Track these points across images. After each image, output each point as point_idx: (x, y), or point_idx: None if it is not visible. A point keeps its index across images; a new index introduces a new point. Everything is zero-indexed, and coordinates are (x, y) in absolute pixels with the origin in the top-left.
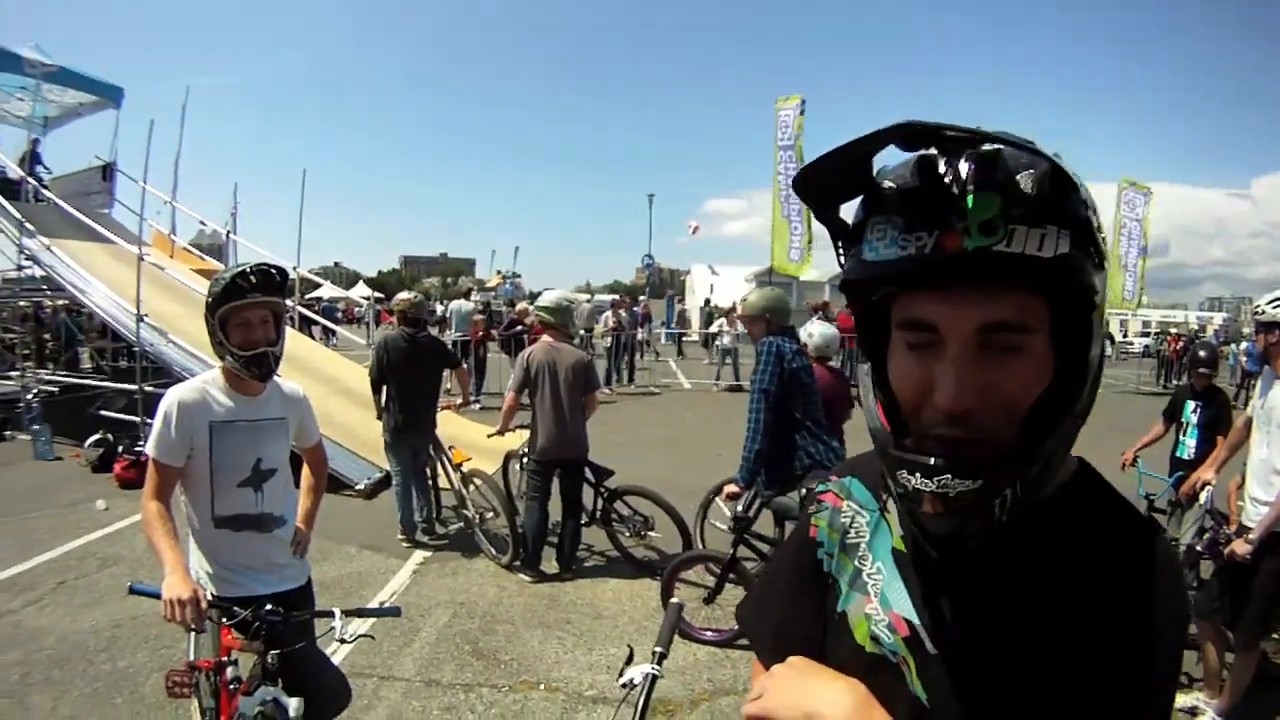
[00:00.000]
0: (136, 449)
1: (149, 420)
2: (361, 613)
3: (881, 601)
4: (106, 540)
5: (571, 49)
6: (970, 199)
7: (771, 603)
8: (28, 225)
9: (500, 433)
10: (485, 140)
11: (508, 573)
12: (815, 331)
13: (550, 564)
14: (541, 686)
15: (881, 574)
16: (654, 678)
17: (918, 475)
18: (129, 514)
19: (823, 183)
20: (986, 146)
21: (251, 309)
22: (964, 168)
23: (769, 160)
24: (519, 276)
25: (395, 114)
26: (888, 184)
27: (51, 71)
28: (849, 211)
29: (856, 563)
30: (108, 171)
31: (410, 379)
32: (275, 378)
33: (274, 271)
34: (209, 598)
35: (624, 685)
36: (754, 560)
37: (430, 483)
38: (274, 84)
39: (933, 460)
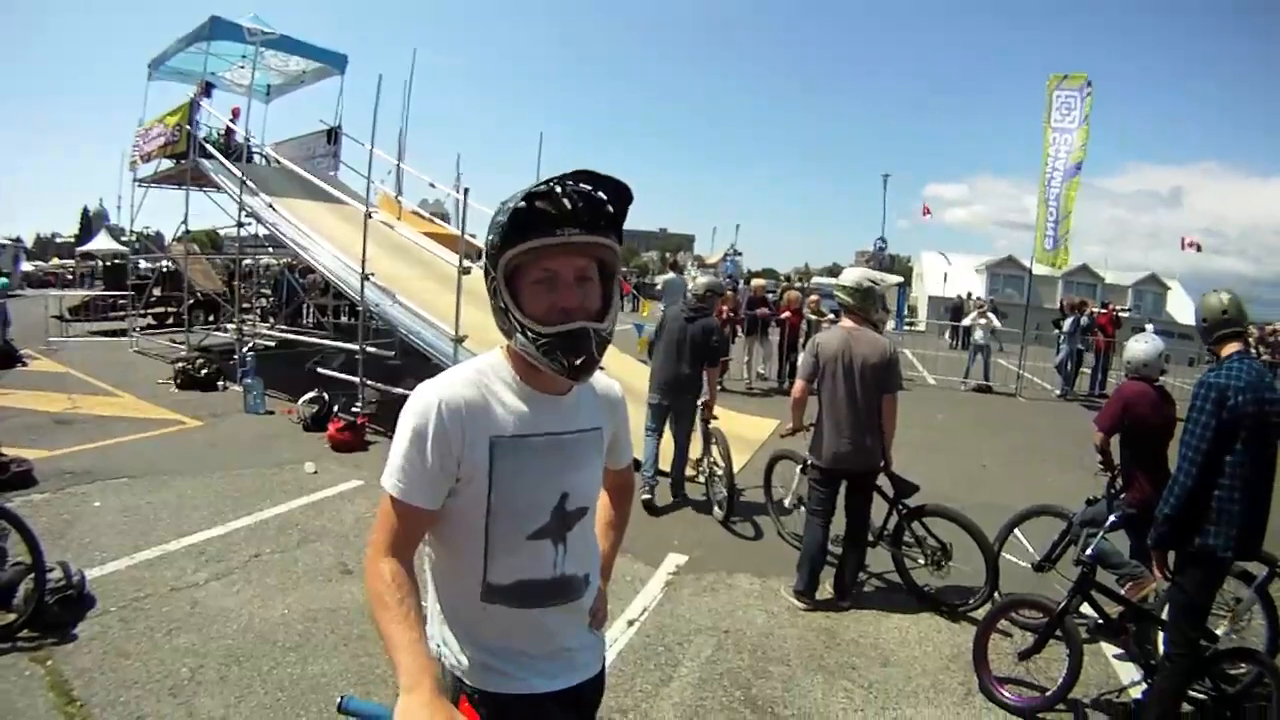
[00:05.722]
0: (353, 410)
1: (368, 381)
2: None
3: None
4: (312, 509)
5: (796, 31)
6: None
7: None
8: (249, 183)
9: (794, 431)
10: (706, 118)
11: (775, 594)
12: (1138, 348)
13: (824, 589)
14: None
15: None
16: None
17: None
18: (339, 480)
19: None
20: None
21: (563, 256)
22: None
23: (992, 145)
24: (739, 254)
25: (618, 91)
26: None
27: (272, 39)
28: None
29: None
30: (333, 135)
31: (676, 356)
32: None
33: (604, 197)
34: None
35: None
36: (1082, 619)
37: (685, 441)
38: (499, 62)
39: None
